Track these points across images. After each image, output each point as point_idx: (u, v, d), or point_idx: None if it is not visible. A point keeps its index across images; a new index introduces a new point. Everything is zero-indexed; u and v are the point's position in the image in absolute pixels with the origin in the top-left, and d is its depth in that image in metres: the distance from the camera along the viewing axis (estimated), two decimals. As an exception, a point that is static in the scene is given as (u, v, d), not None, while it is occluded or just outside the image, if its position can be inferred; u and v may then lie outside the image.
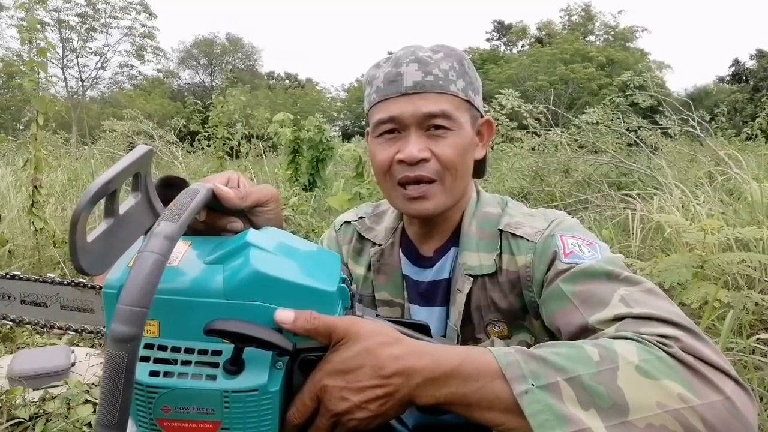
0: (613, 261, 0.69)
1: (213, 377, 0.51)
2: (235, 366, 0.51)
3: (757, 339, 1.99)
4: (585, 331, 0.62)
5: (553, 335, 0.76)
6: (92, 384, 2.15)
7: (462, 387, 0.53)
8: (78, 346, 2.57)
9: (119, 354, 0.42)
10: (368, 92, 0.86)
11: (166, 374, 0.51)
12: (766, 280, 2.42)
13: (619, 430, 0.48)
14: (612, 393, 0.49)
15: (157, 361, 0.51)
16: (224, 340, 0.51)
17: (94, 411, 1.92)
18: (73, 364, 2.24)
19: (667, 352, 0.52)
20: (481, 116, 0.87)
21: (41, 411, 1.93)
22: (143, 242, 0.45)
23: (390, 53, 0.87)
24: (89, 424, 1.88)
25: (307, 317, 0.53)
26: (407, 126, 0.80)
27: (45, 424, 1.87)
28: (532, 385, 0.51)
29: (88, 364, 2.30)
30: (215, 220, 0.66)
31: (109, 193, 0.52)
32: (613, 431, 0.48)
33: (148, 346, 0.52)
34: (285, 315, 0.53)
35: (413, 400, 0.54)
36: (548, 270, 0.74)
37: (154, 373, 0.51)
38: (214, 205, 0.63)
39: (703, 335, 0.56)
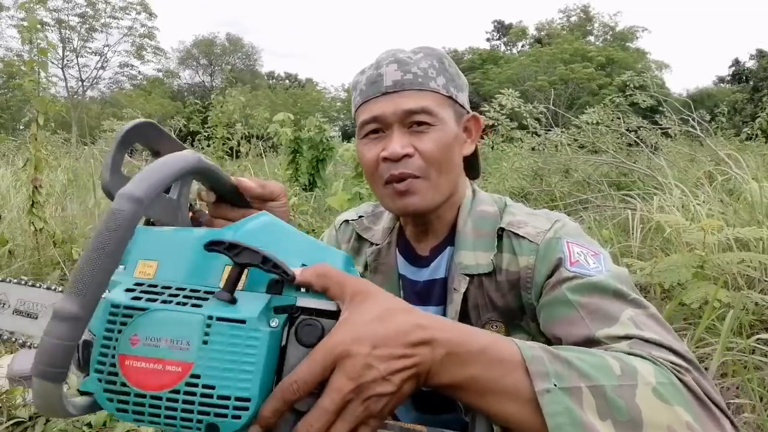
0: (619, 277, 0.70)
1: (199, 305, 0.46)
2: (228, 293, 0.46)
3: (757, 339, 1.99)
4: (590, 343, 0.62)
5: (548, 340, 0.75)
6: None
7: (484, 371, 0.50)
8: (78, 346, 2.57)
9: (121, 209, 0.42)
10: (353, 97, 0.88)
11: (150, 300, 0.46)
12: (766, 280, 2.42)
13: None
14: (630, 409, 0.50)
15: (144, 293, 0.47)
16: (221, 284, 0.47)
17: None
18: (73, 364, 2.24)
19: (679, 379, 0.54)
20: (468, 113, 0.88)
21: (41, 411, 1.93)
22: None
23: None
24: (89, 424, 1.88)
25: (319, 268, 0.49)
26: (390, 124, 0.81)
27: (45, 424, 1.86)
28: (555, 385, 0.50)
29: (88, 364, 2.30)
30: (227, 212, 0.67)
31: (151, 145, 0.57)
32: None
33: (138, 284, 0.48)
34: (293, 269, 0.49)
35: (431, 378, 0.49)
36: (551, 274, 0.74)
37: (135, 298, 0.46)
38: (231, 197, 0.64)
39: (704, 371, 0.58)
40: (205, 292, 0.47)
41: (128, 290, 0.47)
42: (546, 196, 5.41)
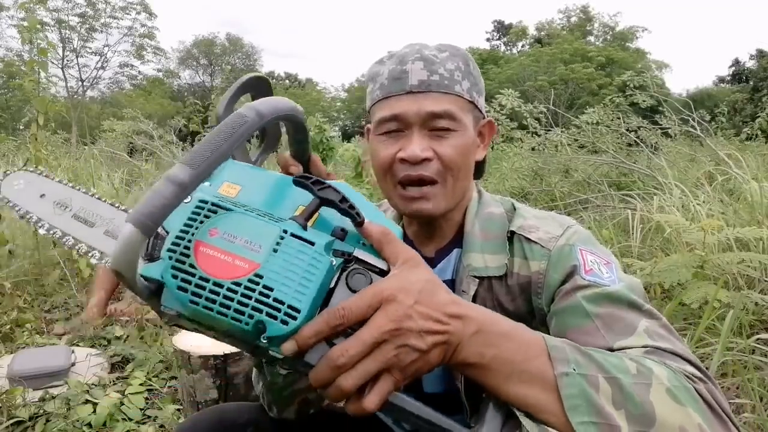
0: (633, 288, 0.71)
1: (276, 222, 0.51)
2: (304, 220, 0.51)
3: (757, 339, 1.98)
4: None
5: None
6: (92, 384, 2.15)
7: (510, 352, 0.53)
8: (78, 346, 2.57)
9: (244, 114, 0.49)
10: (371, 89, 0.85)
11: (234, 205, 0.52)
12: (766, 280, 2.42)
13: None
14: (644, 403, 0.52)
15: (225, 200, 0.53)
16: (295, 215, 0.53)
17: (94, 411, 1.92)
18: (73, 364, 2.24)
19: (693, 387, 0.55)
20: (483, 117, 0.87)
21: (41, 411, 1.93)
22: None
23: (391, 53, 0.87)
24: (89, 424, 1.88)
25: (384, 228, 0.54)
26: (410, 125, 0.79)
27: (45, 424, 1.86)
28: (574, 369, 0.53)
29: (88, 364, 2.30)
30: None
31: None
32: None
33: (223, 199, 0.53)
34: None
35: (459, 353, 0.53)
36: (564, 281, 0.74)
37: (222, 200, 0.52)
38: (305, 166, 0.68)
39: (716, 383, 0.59)
40: (279, 218, 0.52)
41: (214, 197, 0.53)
42: (546, 196, 5.41)
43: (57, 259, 3.54)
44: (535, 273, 0.78)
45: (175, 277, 0.47)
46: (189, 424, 0.88)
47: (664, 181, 4.38)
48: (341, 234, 0.53)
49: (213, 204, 0.51)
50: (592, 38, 40.09)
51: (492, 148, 7.49)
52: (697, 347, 2.02)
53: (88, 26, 31.46)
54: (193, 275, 0.47)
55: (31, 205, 0.76)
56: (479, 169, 0.92)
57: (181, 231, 0.49)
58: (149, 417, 1.99)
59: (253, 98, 0.64)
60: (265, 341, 0.47)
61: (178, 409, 2.00)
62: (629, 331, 0.64)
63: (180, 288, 0.47)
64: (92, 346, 2.59)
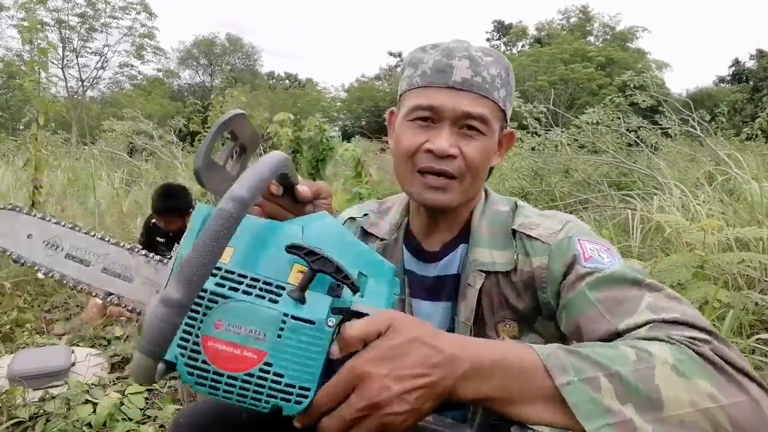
0: (632, 266, 0.72)
1: (276, 301, 0.52)
2: (300, 294, 0.52)
3: (757, 339, 1.99)
4: (614, 336, 0.64)
5: (563, 339, 0.77)
6: (92, 384, 2.15)
7: (506, 380, 0.53)
8: (78, 346, 2.57)
9: (229, 210, 0.46)
10: (410, 73, 0.85)
11: (232, 289, 0.52)
12: (766, 280, 2.42)
13: (655, 425, 0.50)
14: (649, 390, 0.52)
15: (224, 279, 0.53)
16: (289, 280, 0.53)
17: (94, 411, 1.92)
18: (73, 364, 2.24)
19: (697, 352, 0.55)
20: (506, 127, 0.89)
21: (41, 411, 1.93)
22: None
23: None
24: (89, 424, 1.88)
25: (361, 327, 0.54)
26: (444, 119, 0.80)
27: (45, 424, 1.86)
28: (573, 377, 0.53)
29: (88, 364, 2.30)
30: (287, 205, 0.71)
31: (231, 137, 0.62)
32: (649, 426, 0.50)
33: (217, 269, 0.53)
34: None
35: (453, 393, 0.53)
36: (567, 272, 0.75)
37: (219, 285, 0.52)
38: (293, 194, 0.69)
39: (726, 340, 0.58)
40: (277, 286, 0.53)
41: (211, 275, 0.51)
42: (546, 196, 5.42)
43: (57, 259, 3.54)
44: (538, 268, 0.79)
45: (190, 374, 0.51)
46: (188, 411, 0.88)
47: (664, 181, 4.38)
48: (338, 290, 0.55)
49: (212, 293, 0.51)
50: (592, 38, 40.10)
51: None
52: (697, 347, 2.02)
53: (88, 26, 31.45)
54: (207, 371, 0.50)
55: (22, 249, 0.75)
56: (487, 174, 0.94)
57: (187, 325, 0.51)
58: (149, 417, 1.99)
59: (233, 137, 0.64)
60: (280, 416, 0.52)
61: (178, 409, 2.00)
62: (633, 310, 0.64)
63: (197, 383, 0.51)
64: (92, 346, 2.59)
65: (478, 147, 0.80)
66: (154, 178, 7.14)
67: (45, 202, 3.60)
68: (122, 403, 2.01)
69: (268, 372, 0.50)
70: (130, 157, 9.06)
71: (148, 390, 2.15)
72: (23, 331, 2.77)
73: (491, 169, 0.92)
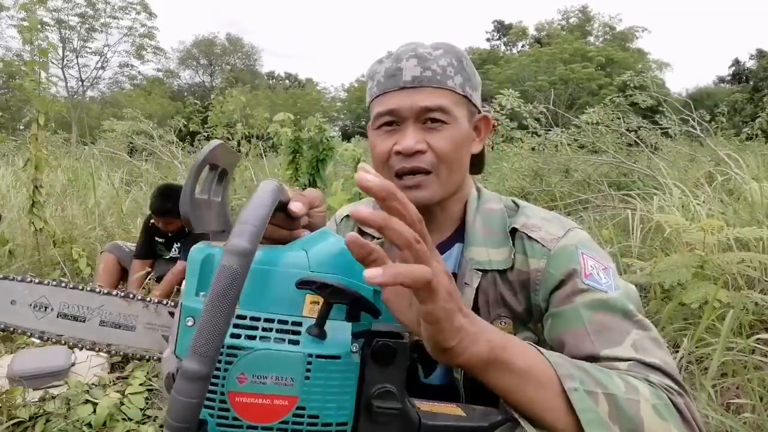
0: (629, 296, 0.74)
1: (296, 342, 0.50)
2: (320, 329, 0.50)
3: (757, 339, 1.99)
4: (593, 360, 0.66)
5: (542, 345, 0.78)
6: (92, 384, 2.15)
7: (512, 378, 0.56)
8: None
9: (232, 266, 0.43)
10: (370, 86, 0.88)
11: (248, 337, 0.49)
12: (766, 280, 2.42)
13: None
14: (635, 420, 0.56)
15: (237, 326, 0.50)
16: (304, 313, 0.51)
17: (94, 411, 1.92)
18: (73, 364, 2.24)
19: (672, 401, 0.60)
20: (479, 112, 0.89)
21: (41, 411, 1.92)
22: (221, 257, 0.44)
23: (391, 53, 0.88)
24: (89, 424, 1.88)
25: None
26: (405, 119, 0.82)
27: (45, 424, 1.86)
28: (580, 385, 0.56)
29: (89, 365, 2.30)
30: (281, 222, 0.65)
31: (216, 169, 0.57)
32: None
33: None
34: (373, 270, 0.47)
35: (469, 348, 0.53)
36: (563, 282, 0.76)
37: (235, 336, 0.49)
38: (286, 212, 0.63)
39: (690, 393, 0.65)
40: (293, 323, 0.50)
41: None
42: (546, 196, 5.41)
43: (57, 259, 3.54)
44: (534, 270, 0.80)
45: None
46: None
47: (664, 181, 4.38)
48: (356, 315, 0.53)
49: (230, 347, 0.49)
50: (591, 38, 40.08)
51: (492, 148, 7.49)
52: (697, 347, 2.02)
53: (88, 26, 31.47)
54: (240, 426, 0.48)
55: (7, 317, 0.68)
56: (478, 164, 0.94)
57: (211, 384, 0.48)
58: (149, 417, 1.99)
59: (212, 167, 0.58)
60: None
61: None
62: (618, 341, 0.67)
63: None
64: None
65: (444, 137, 0.81)
66: (154, 178, 7.14)
67: (45, 202, 3.59)
68: (122, 403, 2.01)
69: (302, 416, 0.49)
70: (130, 157, 9.05)
71: (148, 390, 2.15)
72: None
73: (479, 158, 0.92)
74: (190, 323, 0.50)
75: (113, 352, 0.66)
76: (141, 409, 2.02)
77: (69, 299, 0.68)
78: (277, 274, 0.51)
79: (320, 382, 0.49)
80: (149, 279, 3.10)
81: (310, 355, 0.49)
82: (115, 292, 0.67)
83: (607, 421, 0.55)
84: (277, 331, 0.50)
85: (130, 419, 1.95)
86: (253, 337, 0.49)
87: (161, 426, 1.93)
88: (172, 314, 0.64)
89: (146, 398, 2.10)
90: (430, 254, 0.48)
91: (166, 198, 3.11)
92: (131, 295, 0.67)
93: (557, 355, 0.60)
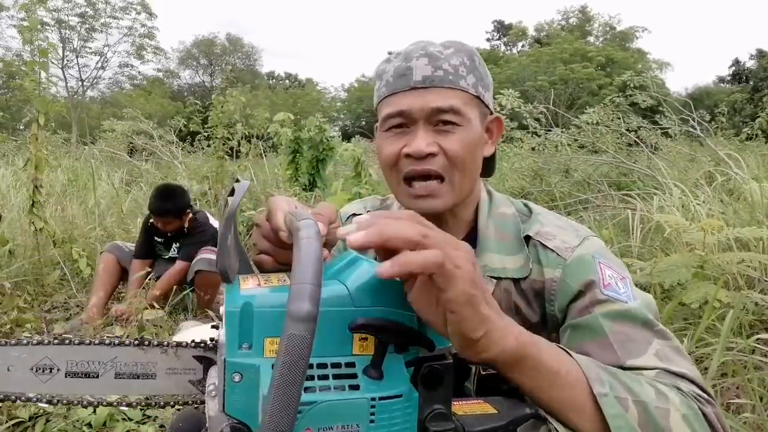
0: (648, 306, 0.73)
1: (356, 387, 0.49)
2: (377, 371, 0.49)
3: (757, 339, 1.98)
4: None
5: None
6: (92, 384, 2.15)
7: (541, 377, 0.56)
8: (78, 346, 2.57)
9: (299, 334, 0.40)
10: (377, 86, 0.85)
11: (307, 389, 0.47)
12: (766, 280, 2.42)
13: None
14: (664, 428, 0.56)
15: None
16: (355, 351, 0.50)
17: (94, 411, 1.92)
18: (73, 364, 2.24)
19: (702, 411, 0.60)
20: (491, 113, 0.86)
21: (41, 411, 1.92)
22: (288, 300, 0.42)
23: (391, 53, 0.86)
24: (89, 424, 1.88)
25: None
26: (415, 120, 0.78)
27: (45, 424, 1.86)
28: (609, 391, 0.56)
29: (88, 364, 2.30)
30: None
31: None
32: None
33: None
34: (381, 266, 0.46)
35: (494, 346, 0.53)
36: (581, 293, 0.74)
37: None
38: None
39: (717, 403, 0.64)
40: (346, 365, 0.50)
41: None
42: (546, 196, 5.41)
43: (57, 259, 3.54)
44: (549, 280, 0.77)
45: None
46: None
47: (664, 181, 4.38)
48: (403, 346, 0.52)
49: None
50: (591, 38, 40.07)
51: (493, 148, 7.47)
52: (697, 347, 2.02)
53: (88, 26, 31.49)
54: None
55: (6, 386, 0.60)
56: (489, 167, 0.91)
57: None
58: (149, 417, 1.99)
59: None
60: None
61: (179, 410, 2.00)
62: (641, 351, 0.67)
63: None
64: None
65: (457, 139, 0.78)
66: (154, 178, 7.13)
67: (45, 202, 3.60)
68: (122, 403, 2.01)
69: None
70: (130, 157, 9.05)
71: (148, 390, 2.15)
72: (23, 331, 2.76)
73: (491, 161, 0.89)
74: (237, 379, 0.48)
75: (134, 404, 0.62)
76: (141, 409, 2.02)
77: (76, 355, 0.61)
78: (322, 315, 0.47)
79: (385, 423, 0.49)
80: (149, 279, 3.10)
81: (373, 399, 0.48)
82: (127, 342, 0.61)
83: (636, 428, 0.55)
84: (334, 377, 0.49)
85: (130, 419, 1.95)
86: (312, 390, 0.48)
87: (161, 426, 1.93)
88: (196, 358, 0.60)
89: (146, 398, 2.10)
90: (442, 242, 0.48)
91: (165, 198, 3.12)
92: (146, 342, 0.61)
93: (584, 357, 0.59)
